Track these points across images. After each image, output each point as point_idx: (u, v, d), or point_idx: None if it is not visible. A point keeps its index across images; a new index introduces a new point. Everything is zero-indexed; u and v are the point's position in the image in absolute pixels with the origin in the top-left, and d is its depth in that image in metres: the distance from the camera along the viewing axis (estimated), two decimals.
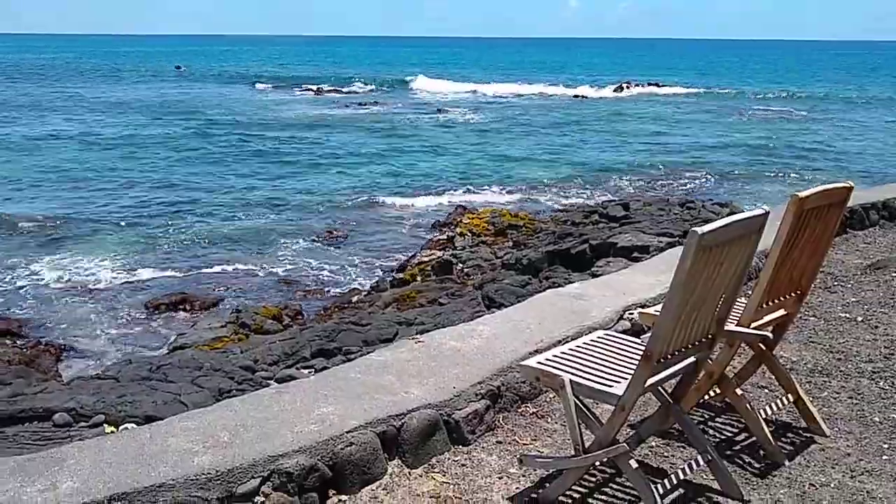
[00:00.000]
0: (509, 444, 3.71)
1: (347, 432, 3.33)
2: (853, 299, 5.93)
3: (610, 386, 2.98)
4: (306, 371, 8.03)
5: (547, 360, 3.22)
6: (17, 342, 10.18)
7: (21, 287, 12.78)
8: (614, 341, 3.43)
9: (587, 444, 3.07)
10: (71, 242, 15.55)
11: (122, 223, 17.26)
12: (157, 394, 6.70)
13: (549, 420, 3.96)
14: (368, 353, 6.41)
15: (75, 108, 42.01)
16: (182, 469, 3.04)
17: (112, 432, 5.34)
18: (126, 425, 5.99)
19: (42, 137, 30.57)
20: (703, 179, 23.10)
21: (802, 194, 3.28)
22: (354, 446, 3.29)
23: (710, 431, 3.84)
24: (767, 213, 3.00)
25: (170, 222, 17.41)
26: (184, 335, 10.35)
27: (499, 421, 3.89)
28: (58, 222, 17.15)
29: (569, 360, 3.22)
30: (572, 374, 3.07)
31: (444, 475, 3.43)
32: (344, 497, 3.25)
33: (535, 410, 4.05)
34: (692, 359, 3.15)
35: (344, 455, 3.26)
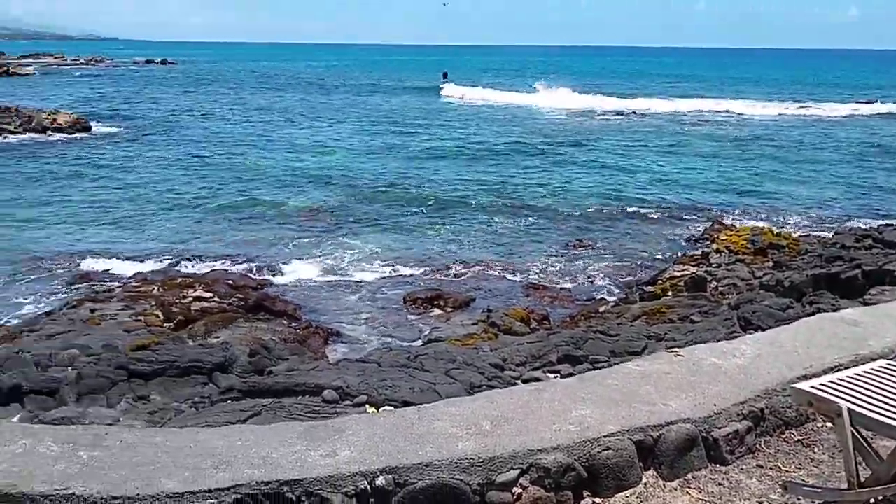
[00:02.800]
0: (770, 469, 3.56)
1: (605, 436, 3.37)
2: None
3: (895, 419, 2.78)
4: (552, 375, 8.14)
5: (822, 385, 3.06)
6: (293, 323, 11.21)
7: (298, 275, 14.04)
8: None
9: (862, 479, 2.88)
10: (341, 237, 16.87)
11: (385, 222, 18.40)
12: (414, 381, 7.11)
13: (816, 450, 3.74)
14: (616, 363, 6.40)
15: (344, 116, 45.18)
16: (447, 452, 3.23)
17: (373, 413, 5.75)
18: (385, 407, 6.43)
19: (315, 141, 33.40)
20: None
21: None
22: (611, 451, 3.32)
23: None
24: None
25: (427, 224, 18.31)
26: (438, 329, 10.88)
27: (760, 444, 3.74)
28: (329, 217, 18.71)
29: (848, 387, 3.03)
30: (851, 402, 2.90)
31: (699, 492, 3.37)
32: (598, 500, 3.29)
33: (800, 438, 3.85)
34: None
35: (600, 458, 3.30)
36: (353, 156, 29.05)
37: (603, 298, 12.96)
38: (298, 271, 14.20)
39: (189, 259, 14.95)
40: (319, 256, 15.22)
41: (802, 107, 52.37)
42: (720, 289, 12.17)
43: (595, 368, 7.35)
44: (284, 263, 14.67)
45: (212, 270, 13.82)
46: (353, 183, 23.54)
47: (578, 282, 14.02)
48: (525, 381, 7.89)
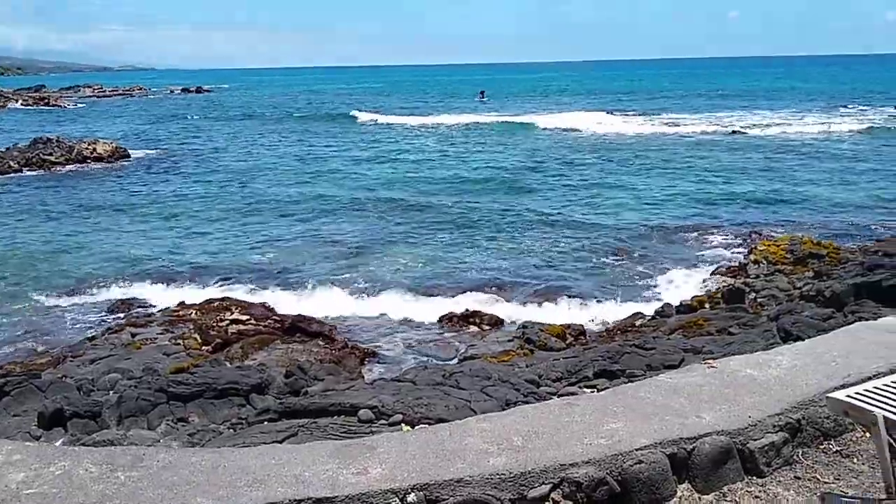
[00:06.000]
0: (808, 480, 3.50)
1: (637, 450, 3.34)
2: None
3: None
4: (588, 390, 8.08)
5: (857, 393, 3.02)
6: (329, 344, 11.27)
7: (334, 295, 14.12)
8: None
9: None
10: (375, 257, 16.95)
11: (417, 243, 18.45)
12: (449, 399, 7.11)
13: (855, 460, 3.67)
14: (653, 376, 6.34)
15: (356, 138, 45.56)
16: (478, 468, 3.22)
17: (408, 431, 5.75)
18: (421, 426, 6.43)
19: (353, 163, 33.71)
20: None
21: None
22: (643, 464, 3.29)
23: None
24: None
25: (461, 243, 18.32)
26: (473, 347, 10.87)
27: (797, 456, 3.68)
28: (361, 238, 18.86)
29: (883, 395, 2.99)
30: (887, 410, 2.85)
31: None
32: None
33: (838, 448, 3.77)
34: None
35: (633, 472, 3.27)
36: (374, 180, 28.93)
37: (639, 312, 12.83)
38: (334, 292, 14.27)
39: (226, 282, 15.16)
40: (355, 277, 15.32)
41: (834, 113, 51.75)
42: (759, 300, 12.02)
43: (633, 382, 7.30)
44: (319, 284, 14.78)
45: (248, 293, 13.99)
46: (380, 205, 23.54)
47: (615, 296, 13.91)
48: (561, 397, 7.86)
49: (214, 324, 11.82)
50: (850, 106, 59.20)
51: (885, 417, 2.81)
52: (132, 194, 26.48)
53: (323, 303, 13.64)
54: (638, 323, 12.08)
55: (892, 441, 2.82)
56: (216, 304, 13.03)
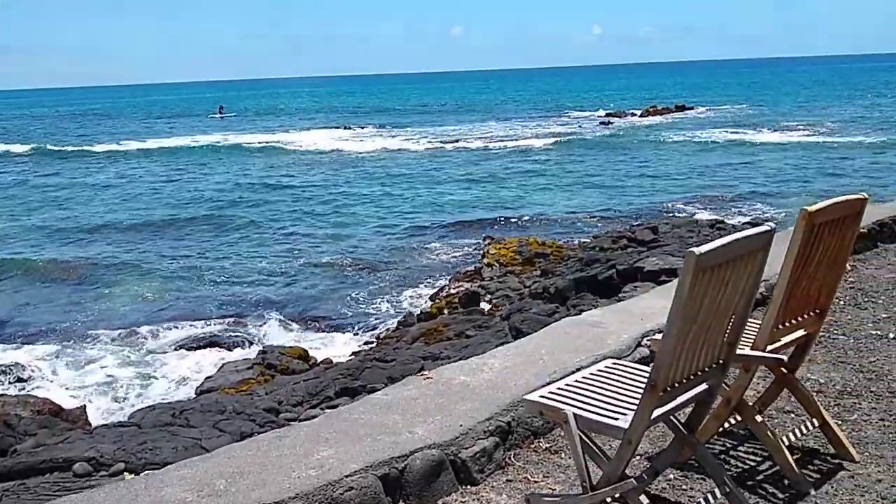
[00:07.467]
0: (520, 482, 3.55)
1: (347, 476, 3.20)
2: (884, 315, 5.65)
3: (615, 419, 2.82)
4: (331, 411, 7.92)
5: (551, 392, 3.07)
6: (46, 393, 10.21)
7: (53, 337, 12.88)
8: (622, 371, 3.27)
9: (596, 481, 2.91)
10: (93, 296, 15.65)
11: (139, 276, 17.25)
12: (177, 440, 6.62)
13: (563, 455, 3.79)
14: (367, 395, 6.29)
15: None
16: None
17: (126, 480, 5.26)
18: (147, 472, 5.92)
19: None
20: (735, 201, 22.68)
21: (812, 208, 3.12)
22: (354, 490, 3.16)
23: (732, 461, 3.65)
24: (773, 230, 2.85)
25: (188, 273, 17.39)
26: (210, 378, 10.31)
27: (509, 458, 3.73)
28: (79, 273, 17.37)
29: (574, 391, 3.06)
30: (576, 406, 2.92)
31: None
32: None
33: (547, 446, 3.88)
34: (704, 386, 2.99)
35: (343, 500, 3.13)
36: (93, 215, 26.11)
37: (383, 324, 12.93)
38: (53, 335, 12.99)
39: None
40: (76, 316, 14.06)
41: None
42: (494, 301, 12.50)
43: None
44: (35, 326, 13.42)
45: None
46: (96, 241, 21.64)
47: (357, 313, 13.90)
48: (305, 420, 7.62)
49: None
50: (563, 116, 64.40)
51: (574, 414, 2.87)
52: None
53: (41, 346, 12.37)
54: (382, 335, 12.14)
55: (583, 436, 2.89)
56: None
